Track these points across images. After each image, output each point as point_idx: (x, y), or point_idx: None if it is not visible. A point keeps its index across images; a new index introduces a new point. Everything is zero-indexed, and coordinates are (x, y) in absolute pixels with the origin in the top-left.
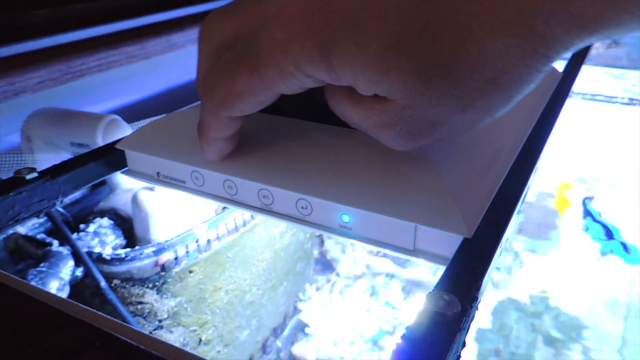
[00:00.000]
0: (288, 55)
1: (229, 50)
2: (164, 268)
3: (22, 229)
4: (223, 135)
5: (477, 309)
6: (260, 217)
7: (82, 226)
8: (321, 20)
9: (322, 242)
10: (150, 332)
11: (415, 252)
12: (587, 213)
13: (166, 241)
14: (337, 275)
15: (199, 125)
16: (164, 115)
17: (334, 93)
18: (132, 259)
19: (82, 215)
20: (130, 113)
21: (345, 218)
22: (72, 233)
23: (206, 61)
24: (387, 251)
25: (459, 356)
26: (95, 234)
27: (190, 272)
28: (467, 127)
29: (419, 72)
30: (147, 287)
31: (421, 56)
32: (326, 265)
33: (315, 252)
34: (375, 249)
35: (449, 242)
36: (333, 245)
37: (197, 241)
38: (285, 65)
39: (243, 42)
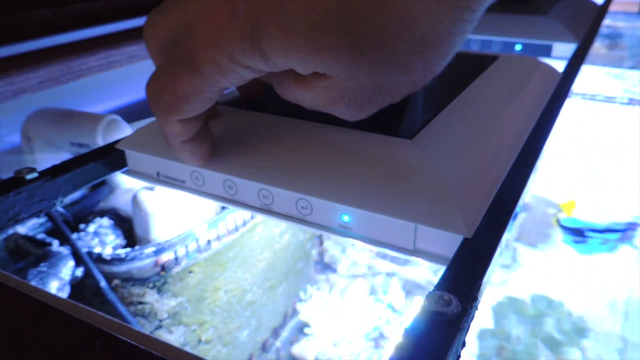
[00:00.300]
0: (221, 50)
1: (169, 49)
2: (164, 268)
3: (22, 229)
4: (185, 138)
5: (477, 309)
6: (260, 217)
7: (82, 226)
8: (245, 10)
9: (321, 242)
10: (151, 332)
11: (415, 252)
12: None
13: (166, 241)
14: (337, 275)
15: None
16: None
17: (279, 80)
18: (132, 259)
19: (82, 215)
20: (130, 113)
21: (345, 218)
22: (72, 233)
23: (156, 62)
24: (387, 251)
25: (459, 356)
26: (95, 234)
27: (190, 272)
28: (413, 86)
29: (349, 46)
30: (147, 287)
31: (347, 30)
32: (326, 265)
33: (315, 252)
34: (375, 249)
35: (449, 242)
36: (333, 245)
37: (197, 241)
38: (221, 60)
39: (179, 41)
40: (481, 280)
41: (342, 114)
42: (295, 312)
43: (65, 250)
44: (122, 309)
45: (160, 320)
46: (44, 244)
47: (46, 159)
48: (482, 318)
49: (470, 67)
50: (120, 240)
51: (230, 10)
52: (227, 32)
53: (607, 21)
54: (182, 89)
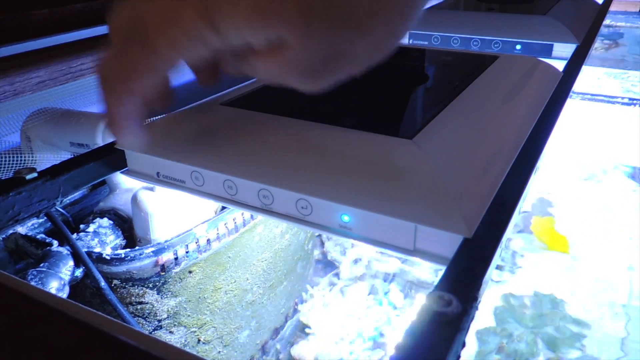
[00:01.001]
0: (174, 26)
1: (126, 33)
2: (163, 268)
3: (22, 229)
4: (133, 120)
5: (477, 309)
6: (260, 217)
7: (82, 226)
8: None
9: (322, 243)
10: (150, 333)
11: (415, 252)
12: None
13: (166, 241)
14: (337, 275)
15: (106, 116)
16: (164, 115)
17: (233, 60)
18: (132, 259)
19: (82, 215)
20: None
21: (345, 218)
22: (72, 233)
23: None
24: (387, 251)
25: (459, 356)
26: (95, 234)
27: (190, 272)
28: (374, 53)
29: (299, 7)
30: (147, 287)
31: None
32: (326, 265)
33: (316, 253)
34: (375, 249)
35: (449, 242)
36: (333, 245)
37: (197, 241)
38: (175, 36)
39: (134, 25)
40: (481, 280)
41: (300, 85)
42: (295, 313)
43: (65, 250)
44: (121, 309)
45: (160, 321)
46: (44, 244)
47: (46, 159)
48: (483, 318)
49: (470, 67)
50: (120, 241)
51: None
52: (181, 9)
53: (607, 21)
54: (135, 67)
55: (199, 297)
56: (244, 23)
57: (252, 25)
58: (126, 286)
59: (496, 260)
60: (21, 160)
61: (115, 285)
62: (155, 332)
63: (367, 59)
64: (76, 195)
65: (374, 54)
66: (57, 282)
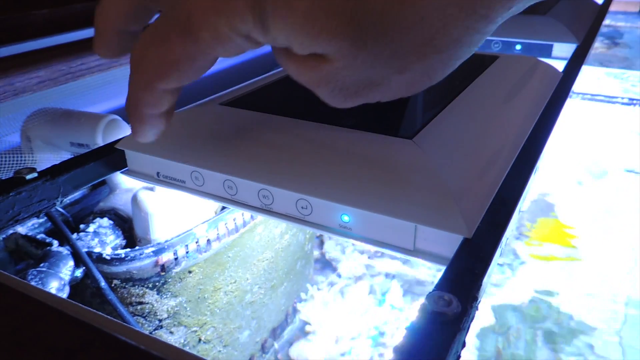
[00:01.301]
0: (222, 17)
1: (163, 9)
2: (164, 268)
3: (22, 229)
4: (158, 110)
5: (477, 309)
6: (260, 217)
7: (82, 226)
8: None
9: (322, 243)
10: (150, 332)
11: (415, 252)
12: None
13: (166, 241)
14: (338, 275)
15: (128, 102)
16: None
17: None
18: (132, 259)
19: (82, 215)
20: None
21: (345, 218)
22: (72, 233)
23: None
24: (387, 251)
25: (459, 356)
26: (95, 234)
27: (190, 272)
28: (405, 89)
29: (353, 35)
30: (147, 287)
31: (354, 18)
32: (326, 265)
33: (316, 253)
34: (375, 249)
35: (449, 242)
36: (333, 245)
37: (197, 241)
38: (221, 27)
39: (178, 9)
40: (481, 280)
41: (325, 98)
42: (295, 313)
43: (65, 250)
44: (122, 309)
45: (160, 321)
46: (44, 244)
47: (46, 159)
48: (483, 317)
49: (470, 67)
50: (120, 241)
51: None
52: (232, 0)
53: (607, 21)
54: (173, 54)
55: (199, 297)
56: (295, 30)
57: (303, 33)
58: (126, 286)
59: (496, 260)
60: (21, 160)
61: (115, 285)
62: (156, 332)
63: (398, 94)
64: (76, 195)
65: (406, 91)
66: (57, 282)
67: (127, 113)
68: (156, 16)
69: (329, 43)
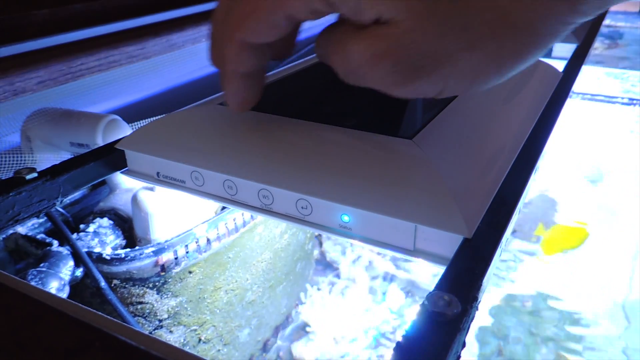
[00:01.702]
0: None
1: None
2: (164, 268)
3: (22, 229)
4: (243, 68)
5: (477, 309)
6: (260, 217)
7: (82, 226)
8: None
9: (321, 243)
10: (150, 332)
11: (415, 252)
12: None
13: (166, 241)
14: (337, 275)
15: (217, 60)
16: (164, 115)
17: (331, 33)
18: (132, 259)
19: (82, 215)
20: (130, 113)
21: (345, 218)
22: (72, 233)
23: None
24: (387, 251)
25: (459, 356)
26: (95, 234)
27: (190, 272)
28: (471, 76)
29: None
30: (147, 287)
31: None
32: (326, 265)
33: (316, 253)
34: (375, 249)
35: (449, 242)
36: (333, 246)
37: (197, 241)
38: None
39: None
40: (481, 280)
41: (383, 78)
42: (295, 313)
43: (65, 250)
44: (121, 309)
45: (160, 320)
46: (44, 244)
47: (46, 159)
48: (481, 317)
49: None
50: (120, 240)
51: None
52: None
53: (607, 21)
54: (252, 6)
55: (199, 297)
56: None
57: None
58: (126, 286)
59: (496, 260)
60: (21, 160)
61: (115, 285)
62: (156, 331)
63: (463, 80)
64: (76, 195)
65: (472, 80)
66: (57, 282)
67: (220, 73)
68: None
69: (399, 0)
